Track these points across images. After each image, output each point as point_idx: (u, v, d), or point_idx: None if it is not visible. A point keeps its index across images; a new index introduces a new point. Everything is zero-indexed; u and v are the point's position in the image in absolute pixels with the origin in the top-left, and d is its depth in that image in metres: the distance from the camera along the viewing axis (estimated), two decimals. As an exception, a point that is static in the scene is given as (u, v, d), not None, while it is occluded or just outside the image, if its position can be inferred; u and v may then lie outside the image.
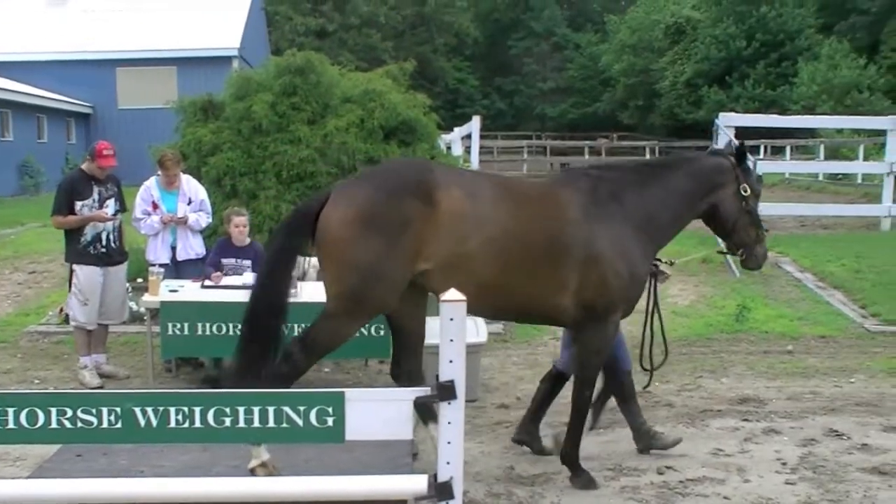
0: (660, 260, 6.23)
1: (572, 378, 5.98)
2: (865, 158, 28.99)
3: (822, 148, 33.53)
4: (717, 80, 48.69)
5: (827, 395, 7.77)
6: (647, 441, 6.39)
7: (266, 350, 5.22)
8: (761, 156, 32.03)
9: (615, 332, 5.80)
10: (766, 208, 17.01)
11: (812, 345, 9.42)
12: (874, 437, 6.53)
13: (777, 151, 36.13)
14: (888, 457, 6.18)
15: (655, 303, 6.27)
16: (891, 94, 45.13)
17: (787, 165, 29.70)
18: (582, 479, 5.78)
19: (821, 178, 31.67)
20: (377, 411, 3.76)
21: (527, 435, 6.43)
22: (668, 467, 6.06)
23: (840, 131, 33.28)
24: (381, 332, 7.12)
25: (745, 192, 5.92)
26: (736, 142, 6.13)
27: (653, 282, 6.21)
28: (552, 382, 6.44)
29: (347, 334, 5.40)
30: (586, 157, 41.06)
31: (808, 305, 10.86)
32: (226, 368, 5.54)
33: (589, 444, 6.31)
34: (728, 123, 16.62)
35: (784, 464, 6.13)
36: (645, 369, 6.38)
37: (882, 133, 18.55)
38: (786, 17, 48.42)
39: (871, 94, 42.30)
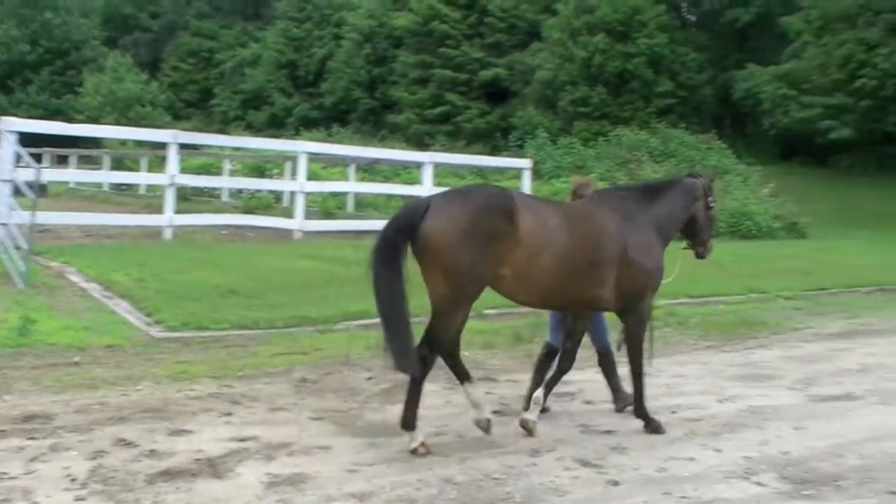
0: None
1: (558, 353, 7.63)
2: (149, 170, 30.02)
3: (107, 158, 33.92)
4: (-2, 83, 46.55)
5: (115, 405, 7.73)
6: (625, 401, 7.88)
7: (409, 338, 6.46)
8: (46, 164, 31.22)
9: (649, 311, 7.53)
10: (51, 217, 16.68)
11: (99, 355, 9.31)
12: (161, 441, 6.66)
13: (62, 160, 35.72)
14: (175, 460, 6.34)
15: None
16: (171, 109, 47.52)
17: (73, 174, 29.53)
18: (653, 425, 7.36)
19: (106, 188, 31.97)
20: None
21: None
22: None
23: (124, 143, 34.01)
24: None
25: (712, 204, 7.98)
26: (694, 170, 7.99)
27: None
28: (547, 358, 7.90)
29: (459, 323, 6.70)
30: None
31: (94, 315, 10.80)
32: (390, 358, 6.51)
33: None
34: (11, 129, 15.90)
35: (74, 479, 5.91)
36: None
37: (164, 146, 19.33)
38: (71, 25, 48.09)
39: (154, 108, 44.19)
